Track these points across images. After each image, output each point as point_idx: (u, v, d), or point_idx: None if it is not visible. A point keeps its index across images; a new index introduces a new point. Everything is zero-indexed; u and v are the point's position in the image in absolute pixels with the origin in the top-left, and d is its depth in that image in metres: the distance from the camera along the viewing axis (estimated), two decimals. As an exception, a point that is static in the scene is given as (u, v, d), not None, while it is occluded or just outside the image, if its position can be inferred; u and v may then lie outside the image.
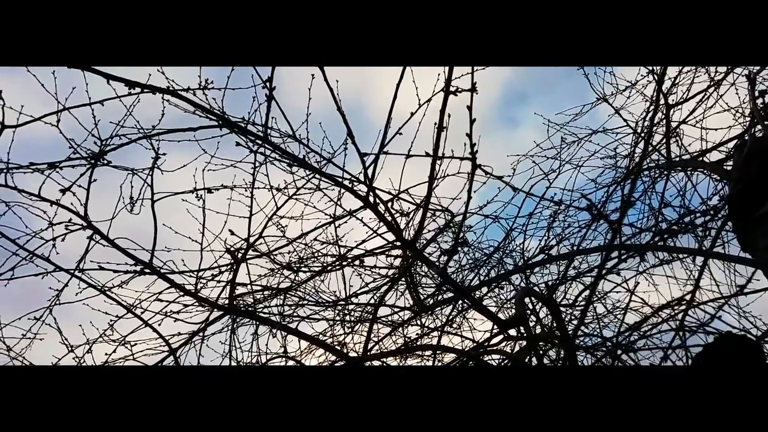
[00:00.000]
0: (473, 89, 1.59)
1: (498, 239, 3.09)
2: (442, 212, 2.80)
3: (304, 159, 1.89)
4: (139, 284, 2.55)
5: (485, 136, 2.30)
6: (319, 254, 2.94)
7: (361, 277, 3.15)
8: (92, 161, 2.03)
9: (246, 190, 2.66)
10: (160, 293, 2.56)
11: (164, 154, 2.28)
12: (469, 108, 1.65)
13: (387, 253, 2.78)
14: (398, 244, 2.54)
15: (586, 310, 2.35)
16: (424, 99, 2.29)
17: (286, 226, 2.95)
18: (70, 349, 2.47)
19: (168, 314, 2.60)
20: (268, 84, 1.71)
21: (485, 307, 1.88)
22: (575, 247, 2.69)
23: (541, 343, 2.24)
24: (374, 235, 2.78)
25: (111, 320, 2.53)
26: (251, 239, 2.77)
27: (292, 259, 2.98)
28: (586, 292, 2.51)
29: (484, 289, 2.83)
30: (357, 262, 2.64)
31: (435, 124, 2.06)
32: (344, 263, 2.82)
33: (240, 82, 2.36)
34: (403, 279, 2.74)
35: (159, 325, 2.53)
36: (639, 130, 3.60)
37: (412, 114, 2.46)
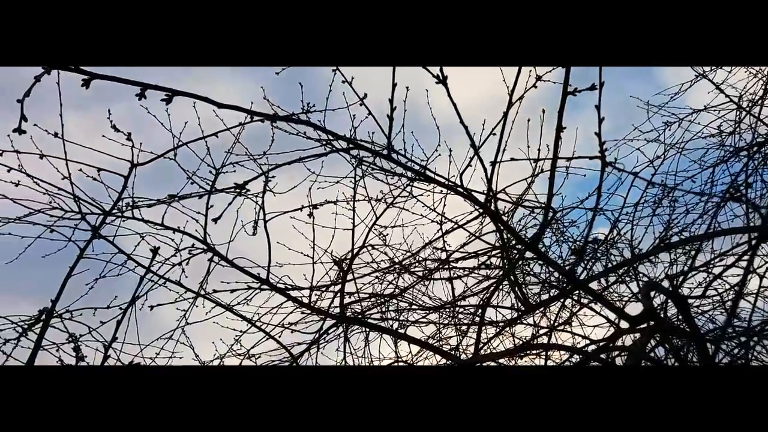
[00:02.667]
0: (596, 86, 1.56)
1: (601, 231, 3.00)
2: (541, 209, 2.77)
3: (425, 172, 1.94)
4: (258, 299, 2.71)
5: (549, 122, 2.24)
6: (423, 260, 2.99)
7: (461, 279, 3.18)
8: (220, 190, 2.19)
9: (348, 203, 2.77)
10: (278, 307, 2.72)
11: (273, 176, 2.41)
12: (598, 107, 1.62)
13: (491, 254, 2.79)
14: (516, 245, 2.53)
15: (736, 303, 2.21)
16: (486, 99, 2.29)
17: (387, 234, 3.04)
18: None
19: (286, 326, 2.75)
20: (390, 103, 1.77)
21: (612, 304, 1.84)
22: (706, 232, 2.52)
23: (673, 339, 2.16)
24: (474, 238, 2.80)
25: (236, 335, 2.71)
26: (355, 249, 2.87)
27: (395, 266, 3.05)
28: (726, 285, 2.37)
29: (594, 284, 2.75)
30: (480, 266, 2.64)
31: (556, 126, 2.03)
32: (449, 267, 2.85)
33: (336, 102, 2.46)
34: (507, 279, 2.73)
35: (280, 336, 2.68)
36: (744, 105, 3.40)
37: (505, 114, 2.46)
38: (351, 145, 2.01)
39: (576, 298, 2.88)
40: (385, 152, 1.85)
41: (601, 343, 2.97)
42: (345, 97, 2.49)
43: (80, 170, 2.16)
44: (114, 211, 2.25)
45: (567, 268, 2.12)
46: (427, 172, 2.06)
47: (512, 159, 1.87)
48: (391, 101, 1.76)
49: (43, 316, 2.34)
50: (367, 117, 2.28)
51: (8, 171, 2.22)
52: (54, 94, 1.95)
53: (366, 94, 2.39)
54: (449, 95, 1.70)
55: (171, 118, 2.22)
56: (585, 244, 2.27)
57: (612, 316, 2.85)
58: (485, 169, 1.82)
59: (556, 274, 2.69)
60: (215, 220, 2.24)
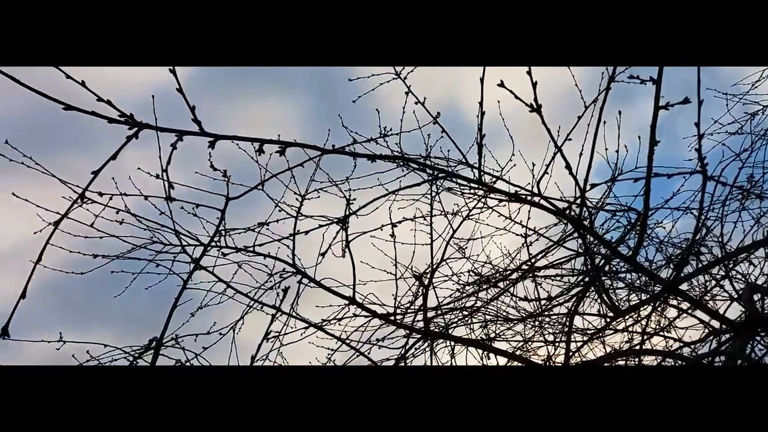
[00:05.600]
0: (690, 100, 1.55)
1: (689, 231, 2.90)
2: (625, 211, 2.73)
3: (517, 194, 1.98)
4: (346, 317, 2.81)
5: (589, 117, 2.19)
6: (505, 270, 3.01)
7: (540, 286, 3.16)
8: (329, 222, 2.31)
9: (425, 219, 2.83)
10: (366, 324, 2.81)
11: (354, 200, 2.52)
12: (697, 125, 1.61)
13: (572, 264, 2.77)
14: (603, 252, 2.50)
15: None
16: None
17: (465, 247, 3.08)
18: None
19: (374, 343, 2.84)
20: (478, 132, 1.82)
21: (712, 310, 1.80)
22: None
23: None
24: (556, 245, 2.79)
25: (328, 354, 2.82)
26: (435, 264, 2.92)
27: (473, 276, 3.08)
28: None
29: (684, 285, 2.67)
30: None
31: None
32: (533, 276, 2.85)
33: (412, 123, 2.53)
34: (594, 286, 2.70)
35: (369, 352, 2.76)
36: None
37: (579, 117, 2.45)
38: (442, 174, 2.07)
39: (664, 299, 2.80)
40: (475, 177, 1.90)
41: (695, 345, 2.88)
42: (416, 117, 2.57)
43: (182, 208, 2.33)
44: (212, 243, 2.40)
45: (667, 276, 2.06)
46: (506, 185, 2.09)
47: (612, 180, 1.86)
48: (480, 128, 1.81)
49: (153, 344, 2.52)
50: (442, 136, 2.35)
51: (117, 213, 2.42)
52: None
53: (439, 113, 2.45)
54: (543, 122, 1.72)
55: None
56: (687, 253, 2.21)
57: (704, 317, 2.75)
58: (577, 182, 1.82)
59: (643, 278, 2.64)
60: (322, 255, 2.39)
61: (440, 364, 2.92)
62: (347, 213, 2.47)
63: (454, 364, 3.04)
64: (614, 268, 2.78)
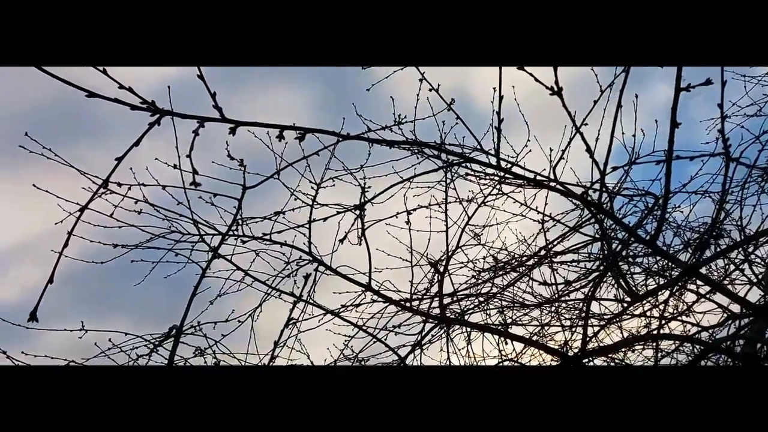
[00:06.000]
0: (712, 82, 1.53)
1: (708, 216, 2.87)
2: (642, 196, 2.71)
3: (537, 179, 1.97)
4: (363, 304, 2.83)
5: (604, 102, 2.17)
6: (520, 257, 3.00)
7: (556, 272, 3.15)
8: (345, 209, 2.33)
9: (440, 206, 2.83)
10: (382, 311, 2.83)
11: (369, 187, 2.52)
12: (720, 105, 1.59)
13: (589, 248, 2.76)
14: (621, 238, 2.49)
15: None
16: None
17: (480, 234, 3.07)
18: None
19: (390, 329, 2.86)
20: (496, 116, 1.81)
21: (733, 293, 1.79)
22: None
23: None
24: (572, 231, 2.77)
25: (345, 340, 2.85)
26: (450, 251, 2.92)
27: (488, 263, 3.08)
28: None
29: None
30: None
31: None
32: (549, 262, 2.85)
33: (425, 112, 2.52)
34: (611, 271, 2.69)
35: (386, 339, 2.78)
36: None
37: (595, 102, 2.43)
38: (458, 160, 2.07)
39: (683, 284, 2.78)
40: (494, 162, 1.89)
41: (713, 329, 2.86)
42: (430, 103, 2.56)
43: (199, 197, 2.35)
44: (230, 231, 2.42)
45: (690, 263, 2.05)
46: (522, 171, 2.08)
47: (630, 163, 1.85)
48: (498, 113, 1.80)
49: (173, 332, 2.56)
50: (456, 123, 2.35)
51: (135, 203, 2.45)
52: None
53: (453, 100, 2.44)
54: (564, 105, 1.70)
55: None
56: (708, 236, 2.19)
57: (723, 301, 2.73)
58: (597, 165, 1.80)
59: (660, 262, 2.62)
60: (341, 241, 2.41)
61: (456, 350, 2.94)
62: (362, 201, 2.48)
63: (470, 349, 3.06)
64: (632, 253, 2.77)
